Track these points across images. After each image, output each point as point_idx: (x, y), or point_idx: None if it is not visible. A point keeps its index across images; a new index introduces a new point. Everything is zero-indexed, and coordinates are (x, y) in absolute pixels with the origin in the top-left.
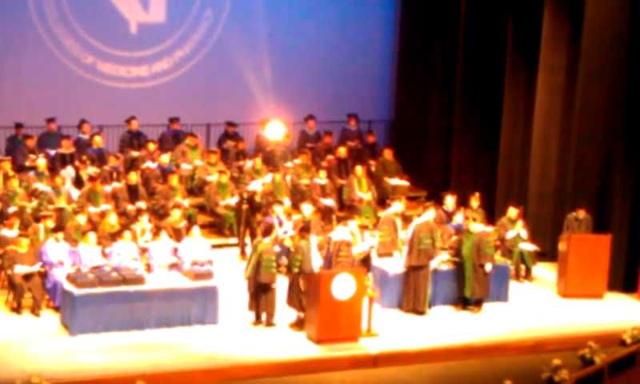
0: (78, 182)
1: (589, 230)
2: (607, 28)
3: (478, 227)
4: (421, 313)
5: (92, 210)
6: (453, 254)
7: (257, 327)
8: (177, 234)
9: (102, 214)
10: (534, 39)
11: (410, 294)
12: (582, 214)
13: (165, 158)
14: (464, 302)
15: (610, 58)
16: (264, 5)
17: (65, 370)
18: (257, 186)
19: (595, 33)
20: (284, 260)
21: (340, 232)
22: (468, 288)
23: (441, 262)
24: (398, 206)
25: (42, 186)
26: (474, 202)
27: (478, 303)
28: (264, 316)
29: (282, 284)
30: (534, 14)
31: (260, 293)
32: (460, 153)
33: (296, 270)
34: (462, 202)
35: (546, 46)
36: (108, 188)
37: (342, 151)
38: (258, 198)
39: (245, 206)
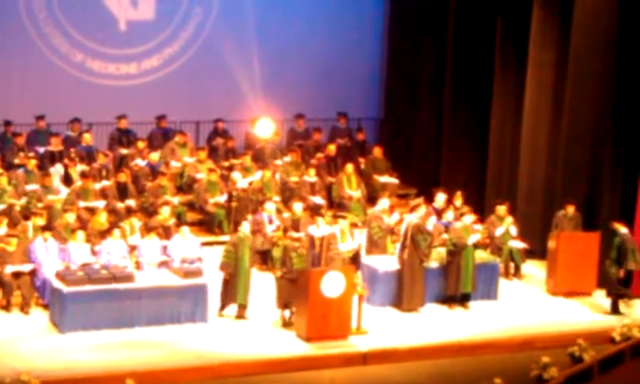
0: (67, 180)
1: (578, 228)
2: (596, 24)
3: (469, 219)
4: (415, 311)
5: (82, 204)
6: (450, 252)
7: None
8: (166, 232)
9: (92, 212)
10: (523, 36)
11: (405, 292)
12: (571, 211)
13: (154, 156)
14: (460, 299)
15: (599, 54)
16: (253, 2)
17: (54, 368)
18: (244, 183)
19: (584, 29)
20: None
21: (322, 228)
22: (468, 284)
23: (433, 259)
24: (384, 203)
25: (31, 186)
26: (457, 200)
27: (466, 299)
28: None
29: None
30: (522, 11)
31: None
32: (449, 150)
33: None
34: (449, 200)
35: (534, 43)
36: (97, 186)
37: (332, 149)
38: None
39: (234, 204)
